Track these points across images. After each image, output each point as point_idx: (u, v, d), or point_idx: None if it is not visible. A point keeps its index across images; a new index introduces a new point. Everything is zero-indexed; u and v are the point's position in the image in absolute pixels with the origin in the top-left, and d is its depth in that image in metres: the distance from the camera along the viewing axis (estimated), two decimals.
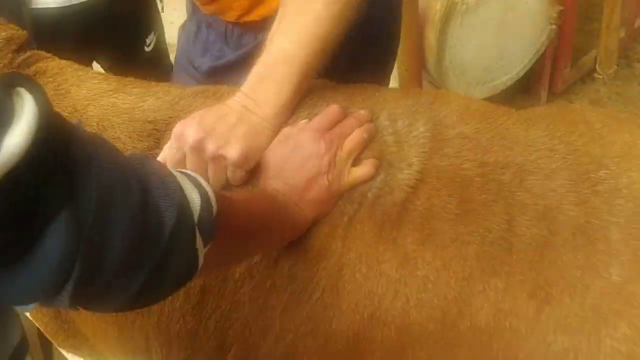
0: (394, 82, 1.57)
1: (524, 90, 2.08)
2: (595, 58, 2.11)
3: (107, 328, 0.78)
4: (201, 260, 0.45)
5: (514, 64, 1.84)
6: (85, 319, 0.80)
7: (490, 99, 1.86)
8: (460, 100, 0.73)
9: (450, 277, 0.62)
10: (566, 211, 0.62)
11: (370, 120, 0.69)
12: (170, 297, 0.64)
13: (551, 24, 1.85)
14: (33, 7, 1.36)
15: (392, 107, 0.71)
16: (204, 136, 0.61)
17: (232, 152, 0.62)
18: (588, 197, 0.63)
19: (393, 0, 0.98)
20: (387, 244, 0.64)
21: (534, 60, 1.89)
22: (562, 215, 0.62)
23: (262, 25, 0.83)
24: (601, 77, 2.14)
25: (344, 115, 0.69)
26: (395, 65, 1.49)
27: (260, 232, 0.59)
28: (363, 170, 0.66)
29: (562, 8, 1.83)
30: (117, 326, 0.76)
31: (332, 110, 0.68)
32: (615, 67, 2.14)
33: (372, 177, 0.66)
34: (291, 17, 0.67)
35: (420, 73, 1.72)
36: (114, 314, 0.71)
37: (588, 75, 2.16)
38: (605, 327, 0.58)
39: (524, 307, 0.60)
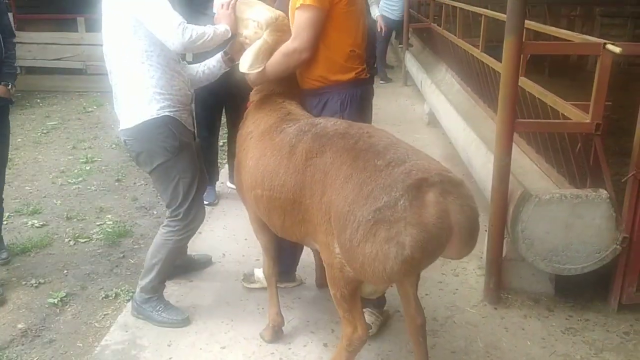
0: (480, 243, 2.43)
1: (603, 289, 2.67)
2: None
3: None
4: None
5: (578, 260, 2.49)
6: None
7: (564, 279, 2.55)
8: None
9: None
10: None
11: None
12: None
13: (616, 244, 2.46)
14: None
15: None
16: None
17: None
18: None
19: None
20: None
21: (598, 266, 2.50)
22: None
23: None
24: None
25: None
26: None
27: None
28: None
29: (626, 235, 2.43)
30: None
31: None
32: None
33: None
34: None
35: (503, 231, 2.55)
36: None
37: None
38: None
39: None
